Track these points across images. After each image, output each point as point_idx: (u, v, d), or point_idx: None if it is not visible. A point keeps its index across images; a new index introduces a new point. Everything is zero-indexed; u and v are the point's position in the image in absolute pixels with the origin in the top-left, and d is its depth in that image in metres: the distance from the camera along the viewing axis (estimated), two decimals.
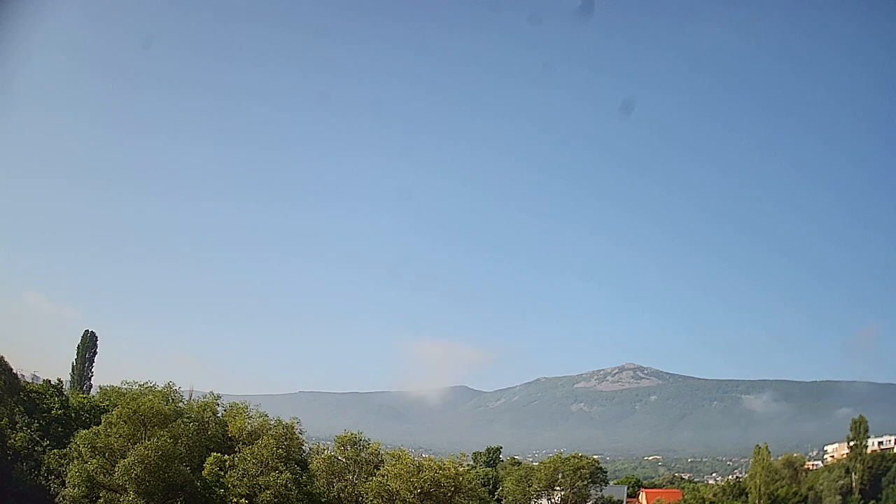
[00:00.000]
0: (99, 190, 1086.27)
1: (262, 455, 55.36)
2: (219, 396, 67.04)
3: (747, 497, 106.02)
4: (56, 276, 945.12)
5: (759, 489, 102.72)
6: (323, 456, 65.34)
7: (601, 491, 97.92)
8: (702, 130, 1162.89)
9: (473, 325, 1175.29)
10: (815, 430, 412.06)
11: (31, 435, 61.53)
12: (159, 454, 50.27)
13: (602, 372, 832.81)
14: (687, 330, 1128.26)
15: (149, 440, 51.03)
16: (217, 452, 57.32)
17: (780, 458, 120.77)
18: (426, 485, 57.31)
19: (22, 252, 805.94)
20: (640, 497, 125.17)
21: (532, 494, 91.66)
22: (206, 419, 63.17)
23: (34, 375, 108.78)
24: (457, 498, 60.16)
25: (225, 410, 65.18)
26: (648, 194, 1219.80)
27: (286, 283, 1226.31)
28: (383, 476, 58.62)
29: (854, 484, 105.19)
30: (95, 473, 51.77)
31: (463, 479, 61.03)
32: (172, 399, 63.26)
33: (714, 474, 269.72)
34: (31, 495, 55.23)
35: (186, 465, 53.07)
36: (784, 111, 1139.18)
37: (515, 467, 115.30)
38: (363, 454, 62.90)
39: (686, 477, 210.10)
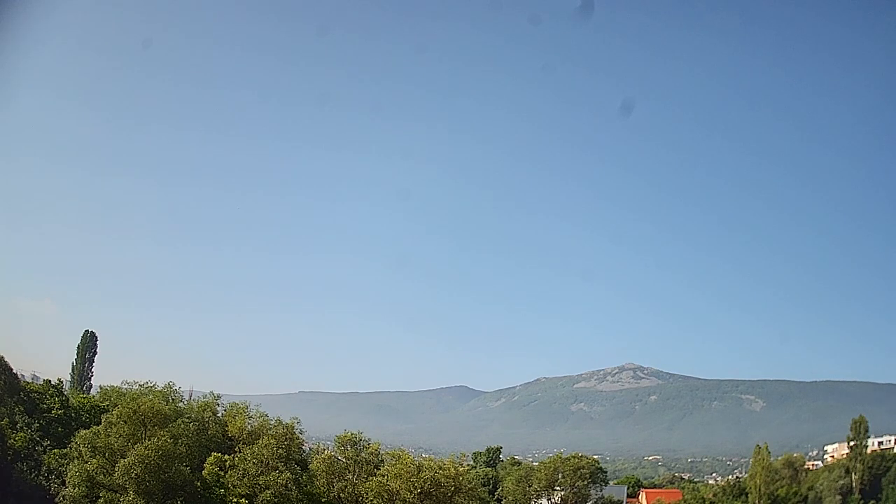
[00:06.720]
0: (99, 189, 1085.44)
1: (262, 455, 55.34)
2: (219, 396, 67.20)
3: (747, 497, 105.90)
4: (57, 276, 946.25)
5: (759, 489, 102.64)
6: (323, 456, 65.23)
7: (601, 491, 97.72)
8: (702, 130, 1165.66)
9: (473, 324, 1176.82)
10: (815, 430, 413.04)
11: (32, 435, 61.62)
12: (159, 454, 50.29)
13: (602, 372, 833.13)
14: (687, 330, 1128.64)
15: (149, 440, 51.07)
16: (217, 452, 57.37)
17: (780, 458, 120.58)
18: (426, 485, 57.19)
19: (21, 251, 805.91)
20: (640, 497, 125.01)
21: (532, 494, 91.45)
22: (206, 419, 63.29)
23: (34, 375, 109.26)
24: (457, 498, 60.02)
25: (225, 410, 65.32)
26: (648, 194, 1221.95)
27: (286, 282, 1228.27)
28: (383, 476, 58.51)
29: (854, 484, 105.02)
30: (95, 473, 51.80)
31: (463, 479, 60.85)
32: (172, 399, 63.55)
33: (714, 474, 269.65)
34: (31, 495, 55.30)
35: (186, 465, 53.11)
36: (783, 112, 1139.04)
37: (515, 467, 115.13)
38: (363, 454, 62.88)
39: (686, 477, 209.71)
